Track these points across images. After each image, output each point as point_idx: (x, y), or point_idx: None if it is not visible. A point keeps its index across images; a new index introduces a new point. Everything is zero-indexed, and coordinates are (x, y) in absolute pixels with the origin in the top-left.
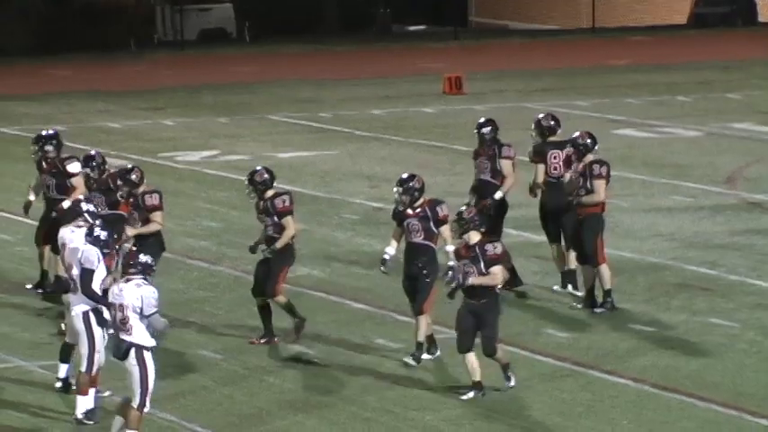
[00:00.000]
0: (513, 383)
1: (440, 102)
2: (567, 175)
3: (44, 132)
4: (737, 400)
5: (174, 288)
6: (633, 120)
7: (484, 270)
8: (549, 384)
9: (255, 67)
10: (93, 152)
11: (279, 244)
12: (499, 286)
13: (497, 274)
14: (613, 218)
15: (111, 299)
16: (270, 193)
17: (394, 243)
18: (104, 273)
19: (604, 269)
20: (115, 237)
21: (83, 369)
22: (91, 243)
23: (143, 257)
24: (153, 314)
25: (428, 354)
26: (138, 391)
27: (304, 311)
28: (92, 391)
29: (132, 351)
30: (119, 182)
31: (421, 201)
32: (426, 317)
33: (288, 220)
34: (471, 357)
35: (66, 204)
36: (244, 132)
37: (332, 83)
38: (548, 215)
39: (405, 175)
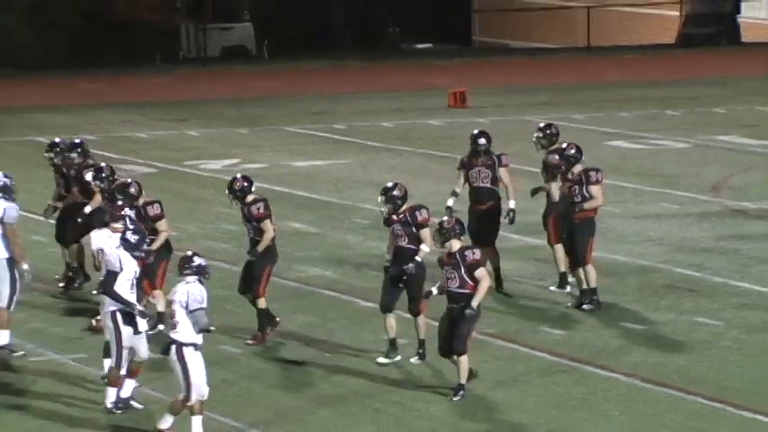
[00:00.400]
0: (458, 398)
1: (445, 115)
2: (554, 186)
3: (57, 140)
4: (722, 394)
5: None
6: (625, 132)
7: (465, 275)
8: (546, 379)
9: (274, 82)
10: (102, 164)
11: (260, 247)
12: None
13: (483, 276)
14: (606, 223)
15: (169, 296)
16: (249, 199)
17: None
18: (131, 275)
19: (590, 269)
20: (147, 241)
21: (112, 363)
22: (123, 247)
23: (197, 260)
24: (196, 310)
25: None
26: (183, 385)
27: (317, 309)
28: (129, 382)
29: (173, 348)
30: (118, 195)
31: (404, 207)
32: (423, 317)
33: (266, 224)
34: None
35: (87, 209)
36: (263, 143)
37: (345, 97)
38: (558, 218)
39: (388, 185)
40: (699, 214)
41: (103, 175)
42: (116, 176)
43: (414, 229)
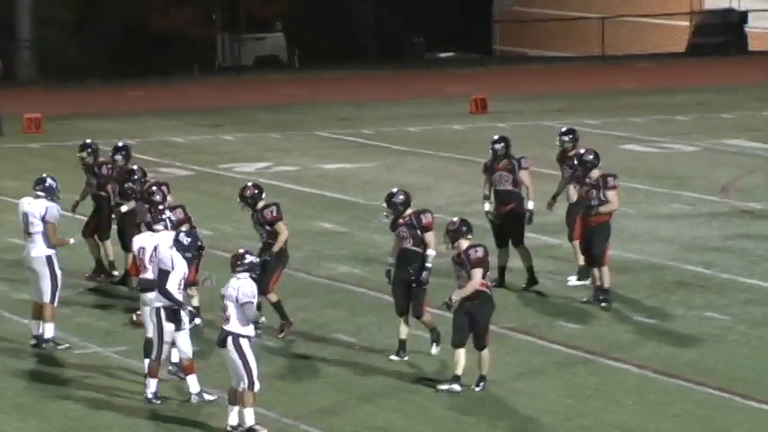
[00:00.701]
0: (480, 387)
1: (467, 120)
2: (572, 188)
3: (88, 141)
4: (730, 385)
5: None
6: (638, 136)
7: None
8: (563, 370)
9: (304, 89)
10: (134, 167)
11: (275, 248)
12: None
13: (475, 277)
14: (619, 224)
15: (222, 291)
16: (260, 204)
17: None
18: (182, 274)
19: (605, 270)
20: (199, 243)
21: (152, 357)
22: (176, 248)
23: (249, 258)
24: (246, 303)
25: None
26: (243, 374)
27: (346, 305)
28: (191, 378)
29: (229, 339)
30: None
31: (409, 211)
32: (427, 314)
33: (280, 226)
34: (461, 353)
35: (124, 209)
36: (294, 147)
37: (372, 103)
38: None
39: (392, 191)
40: (708, 214)
41: (136, 177)
42: (147, 179)
43: (418, 232)
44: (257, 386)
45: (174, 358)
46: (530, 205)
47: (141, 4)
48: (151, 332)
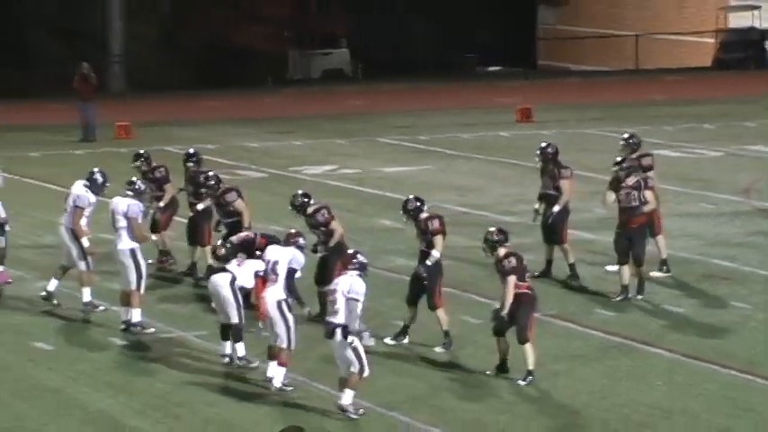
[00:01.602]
0: (526, 382)
1: (513, 128)
2: (612, 196)
3: (141, 151)
4: (751, 367)
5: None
6: (669, 143)
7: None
8: (599, 354)
9: (367, 100)
10: (210, 173)
11: (330, 243)
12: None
13: (508, 284)
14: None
15: (331, 286)
16: (311, 210)
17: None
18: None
19: (644, 270)
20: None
21: (283, 345)
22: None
23: (360, 257)
24: (352, 299)
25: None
26: (354, 361)
27: (403, 295)
28: (273, 364)
29: (338, 331)
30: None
31: (423, 216)
32: (442, 310)
33: (334, 225)
34: (526, 348)
35: (200, 207)
36: (357, 151)
37: (427, 113)
38: None
39: (408, 197)
40: (731, 213)
41: (212, 182)
42: (222, 184)
43: (428, 236)
44: (367, 372)
45: (240, 352)
46: (555, 209)
47: (221, 22)
48: (225, 319)
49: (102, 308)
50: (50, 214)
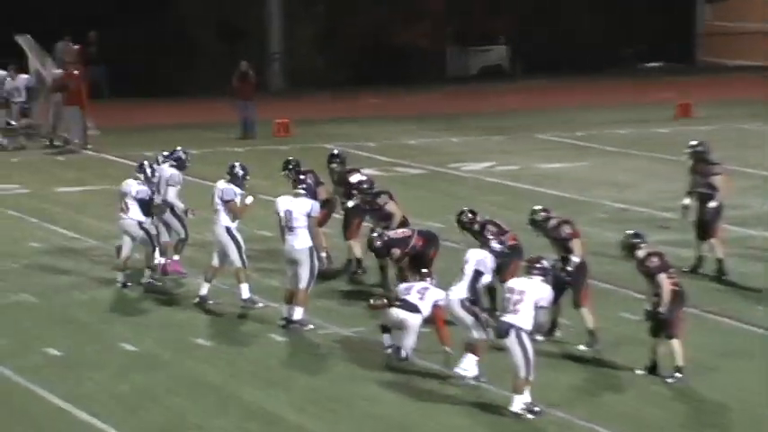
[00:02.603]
0: (674, 380)
1: (672, 124)
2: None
3: (290, 158)
4: None
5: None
6: None
7: None
8: (762, 350)
9: (524, 96)
10: (364, 177)
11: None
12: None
13: (663, 283)
14: None
15: (511, 285)
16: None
17: None
18: (490, 276)
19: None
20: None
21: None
22: (492, 254)
23: (544, 262)
24: (541, 307)
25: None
26: (522, 365)
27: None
28: (469, 357)
29: (513, 331)
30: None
31: (552, 224)
32: (587, 309)
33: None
34: (674, 344)
35: (350, 204)
36: (515, 148)
37: (585, 108)
38: None
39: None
40: None
41: (365, 186)
42: (374, 187)
43: (563, 242)
44: (532, 376)
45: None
46: (711, 204)
47: (380, 20)
48: (393, 325)
49: (260, 305)
50: (211, 212)
